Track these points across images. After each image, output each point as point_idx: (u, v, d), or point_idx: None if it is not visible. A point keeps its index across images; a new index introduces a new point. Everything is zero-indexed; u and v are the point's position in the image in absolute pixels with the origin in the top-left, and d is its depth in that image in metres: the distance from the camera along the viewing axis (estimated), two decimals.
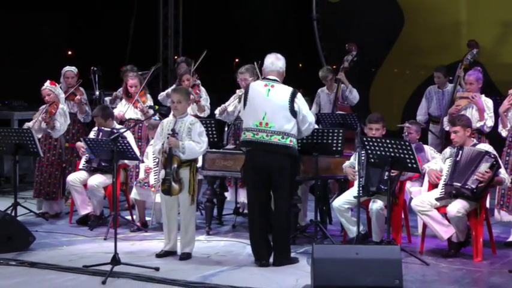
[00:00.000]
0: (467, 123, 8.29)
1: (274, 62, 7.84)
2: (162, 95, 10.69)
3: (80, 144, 9.60)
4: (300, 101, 7.77)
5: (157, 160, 8.54)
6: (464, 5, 14.21)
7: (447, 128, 9.00)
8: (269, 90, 7.68)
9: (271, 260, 7.73)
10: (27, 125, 10.11)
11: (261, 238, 7.79)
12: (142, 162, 9.41)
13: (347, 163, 8.56)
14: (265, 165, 7.64)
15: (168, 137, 7.80)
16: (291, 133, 7.67)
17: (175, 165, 7.80)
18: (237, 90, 9.76)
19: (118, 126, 9.62)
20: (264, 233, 7.83)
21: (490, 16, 13.89)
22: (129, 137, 9.18)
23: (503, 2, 13.74)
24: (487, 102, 9.19)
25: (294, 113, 7.65)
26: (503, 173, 8.11)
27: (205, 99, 10.41)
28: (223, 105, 9.90)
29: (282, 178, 7.71)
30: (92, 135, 9.59)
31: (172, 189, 7.83)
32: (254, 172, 7.73)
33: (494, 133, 9.05)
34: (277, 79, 7.79)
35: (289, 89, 7.73)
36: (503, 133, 8.80)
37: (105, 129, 9.48)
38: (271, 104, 7.64)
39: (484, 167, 7.93)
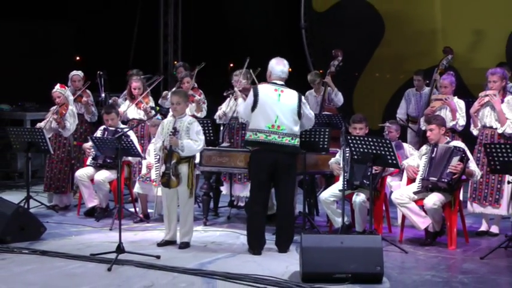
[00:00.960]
0: (441, 122, 8.35)
1: (283, 69, 7.89)
2: (162, 99, 10.72)
3: (86, 145, 9.61)
4: (305, 104, 7.93)
5: (158, 157, 8.55)
6: (440, 14, 14.23)
7: (424, 128, 9.03)
8: (280, 95, 7.74)
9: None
10: (39, 125, 10.12)
11: (261, 230, 7.84)
12: (145, 159, 9.41)
13: (333, 160, 8.59)
14: (275, 163, 7.70)
15: (169, 135, 7.83)
16: (298, 134, 7.80)
17: (175, 161, 7.82)
18: (225, 92, 9.78)
19: (122, 126, 9.63)
20: (264, 225, 7.89)
21: (463, 25, 13.92)
22: (132, 135, 9.18)
23: (474, 13, 13.78)
24: (460, 104, 9.22)
25: (300, 115, 7.77)
26: (472, 165, 8.17)
27: (203, 101, 10.42)
28: (221, 111, 9.91)
29: (290, 174, 7.83)
30: (98, 134, 9.59)
31: (171, 182, 7.85)
32: (261, 170, 7.75)
33: (467, 132, 9.09)
34: (284, 83, 7.86)
35: (295, 94, 7.83)
36: (475, 132, 8.85)
37: (110, 128, 9.49)
38: (282, 108, 7.70)
39: (455, 160, 7.99)
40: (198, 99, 10.18)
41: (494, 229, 8.76)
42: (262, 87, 7.89)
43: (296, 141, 7.77)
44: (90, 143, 9.42)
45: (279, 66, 7.89)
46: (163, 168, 7.91)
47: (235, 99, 9.55)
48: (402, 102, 11.27)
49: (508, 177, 7.98)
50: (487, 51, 13.39)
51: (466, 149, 8.21)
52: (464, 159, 8.02)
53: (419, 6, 14.40)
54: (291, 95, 7.80)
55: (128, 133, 8.79)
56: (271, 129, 7.67)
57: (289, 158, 7.80)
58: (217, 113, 9.97)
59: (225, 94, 9.80)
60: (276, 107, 7.71)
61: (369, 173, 7.96)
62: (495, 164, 7.82)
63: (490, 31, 13.71)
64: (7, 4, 16.58)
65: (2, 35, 17.15)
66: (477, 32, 13.80)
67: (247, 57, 9.25)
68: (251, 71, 9.58)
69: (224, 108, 9.83)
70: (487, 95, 8.67)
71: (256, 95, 7.77)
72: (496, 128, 8.60)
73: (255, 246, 7.78)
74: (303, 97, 7.96)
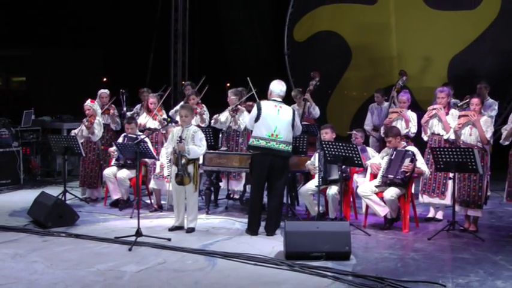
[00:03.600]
0: (396, 132, 8.39)
1: (282, 89, 7.99)
2: (172, 112, 10.70)
3: (111, 149, 9.61)
4: (297, 117, 8.09)
5: (169, 158, 8.53)
6: (396, 44, 14.25)
7: (384, 135, 9.04)
8: (279, 110, 7.84)
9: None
10: (73, 132, 10.12)
11: (259, 216, 7.91)
12: (158, 160, 9.39)
13: (308, 162, 8.59)
14: (272, 165, 7.76)
15: (177, 143, 7.83)
16: (291, 142, 7.89)
17: (184, 162, 7.82)
18: (229, 108, 9.77)
19: (140, 133, 9.61)
20: (261, 213, 7.95)
21: (414, 53, 13.97)
22: (148, 141, 9.17)
23: (423, 43, 13.83)
24: (412, 115, 9.23)
25: (293, 126, 7.89)
26: (423, 166, 8.21)
27: (206, 114, 10.41)
28: (215, 116, 9.94)
29: (282, 174, 7.89)
30: (120, 140, 9.58)
31: (184, 180, 7.85)
32: (261, 170, 7.80)
33: (419, 138, 9.11)
34: (282, 100, 7.94)
35: (290, 109, 7.99)
36: (425, 138, 8.89)
37: (130, 135, 9.48)
38: (280, 121, 7.79)
39: (407, 161, 8.02)
40: (200, 111, 10.15)
41: (439, 215, 8.79)
42: (264, 103, 7.92)
43: (290, 148, 7.86)
44: (114, 148, 9.43)
45: (278, 86, 8.00)
46: (175, 169, 7.90)
47: (232, 116, 9.60)
48: (368, 115, 11.22)
49: (450, 174, 8.01)
50: (433, 74, 13.42)
51: (417, 152, 8.24)
52: (413, 160, 8.05)
53: (380, 38, 14.43)
54: (288, 110, 7.93)
55: (145, 140, 8.80)
56: (271, 137, 7.74)
57: (284, 161, 7.88)
58: (214, 118, 9.99)
59: (230, 109, 9.77)
60: (275, 119, 7.78)
61: (339, 171, 7.99)
62: (440, 163, 7.85)
63: (435, 58, 13.76)
64: (50, 36, 16.64)
65: (45, 60, 17.21)
66: (425, 58, 13.85)
67: (247, 78, 9.24)
68: (248, 89, 9.60)
69: (221, 118, 9.83)
70: (435, 108, 8.70)
71: (259, 109, 7.83)
72: (442, 135, 8.62)
73: (254, 228, 7.85)
74: (296, 112, 8.13)
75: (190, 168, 7.88)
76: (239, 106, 9.61)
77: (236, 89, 9.86)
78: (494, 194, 9.84)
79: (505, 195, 7.95)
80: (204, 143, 8.04)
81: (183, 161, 7.81)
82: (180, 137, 7.82)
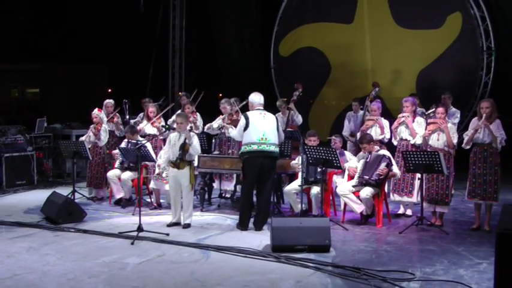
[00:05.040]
0: (369, 139, 8.40)
1: (261, 99, 8.05)
2: (170, 121, 10.65)
3: (115, 152, 9.58)
4: (279, 123, 8.12)
5: (167, 161, 8.47)
6: (370, 59, 14.33)
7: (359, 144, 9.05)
8: (264, 116, 7.87)
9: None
10: (81, 138, 10.07)
11: (249, 213, 7.88)
12: (155, 162, 9.34)
13: (293, 162, 8.61)
14: (263, 166, 7.72)
15: (188, 131, 7.89)
16: (278, 144, 7.90)
17: (185, 150, 7.81)
18: (221, 115, 9.75)
19: (140, 139, 9.57)
20: (251, 210, 7.92)
21: (386, 66, 14.05)
22: (148, 146, 9.12)
23: (394, 58, 13.94)
24: (385, 123, 9.25)
25: (277, 131, 7.89)
26: (395, 169, 8.21)
27: (199, 122, 10.38)
28: (208, 124, 9.91)
29: (271, 174, 7.85)
30: (123, 144, 9.53)
31: (181, 165, 7.82)
32: (253, 171, 7.74)
33: (390, 142, 9.11)
34: (263, 109, 7.98)
35: (273, 116, 8.02)
36: (395, 142, 8.89)
37: (132, 141, 9.43)
38: (267, 126, 7.79)
39: (382, 165, 8.02)
40: (192, 119, 10.12)
41: (409, 212, 8.81)
42: (250, 113, 7.94)
43: (278, 149, 7.89)
44: (117, 150, 9.39)
45: (257, 97, 8.05)
46: (177, 155, 7.84)
47: (224, 123, 9.58)
48: (345, 122, 11.23)
49: (417, 175, 8.02)
50: (403, 85, 13.49)
51: (391, 156, 8.24)
52: (389, 165, 8.05)
53: (356, 54, 14.49)
54: (271, 117, 7.96)
55: (146, 144, 8.75)
56: (261, 141, 7.73)
57: (272, 162, 7.84)
58: (207, 125, 9.97)
59: (222, 117, 9.73)
60: (263, 125, 7.78)
61: (319, 170, 7.99)
62: (409, 165, 7.86)
63: (405, 71, 13.83)
64: (61, 52, 16.60)
65: (56, 73, 17.16)
66: (396, 71, 13.92)
67: (243, 100, 9.23)
68: (238, 101, 9.58)
69: (214, 124, 9.80)
70: (403, 116, 8.72)
71: (247, 119, 7.83)
72: (409, 140, 8.64)
73: (245, 224, 7.82)
74: (278, 118, 8.21)
75: (187, 169, 7.84)
76: (234, 115, 9.59)
77: (229, 99, 9.82)
78: (457, 193, 9.87)
79: (466, 193, 7.96)
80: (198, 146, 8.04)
81: (184, 148, 7.78)
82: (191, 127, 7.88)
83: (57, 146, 11.00)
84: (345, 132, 11.06)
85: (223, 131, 9.57)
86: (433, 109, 8.89)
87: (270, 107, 8.35)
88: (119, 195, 9.42)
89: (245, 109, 8.52)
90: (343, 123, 11.35)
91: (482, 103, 7.78)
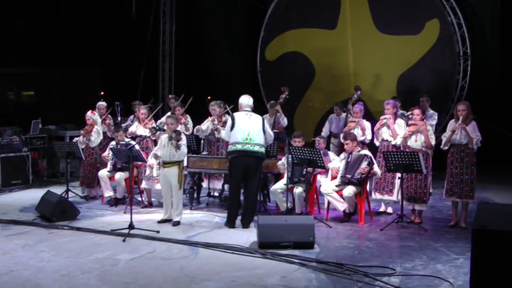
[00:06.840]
0: (354, 137, 8.42)
1: (249, 101, 8.03)
2: (159, 121, 10.61)
3: (104, 155, 9.55)
4: (266, 124, 8.06)
5: (158, 161, 8.45)
6: (352, 64, 14.36)
7: (343, 141, 9.06)
8: (250, 117, 7.84)
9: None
10: (75, 139, 10.03)
11: (236, 211, 7.86)
12: (146, 162, 9.30)
13: (279, 162, 8.60)
14: (247, 165, 7.70)
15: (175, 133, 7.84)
16: (263, 144, 7.85)
17: (178, 135, 7.80)
18: (209, 117, 9.72)
19: (127, 140, 9.49)
20: (238, 208, 7.90)
21: (367, 71, 14.08)
22: (137, 147, 9.07)
23: (375, 62, 13.96)
24: (367, 124, 9.29)
25: (263, 131, 7.84)
26: (375, 168, 8.23)
27: (190, 124, 10.34)
28: (197, 126, 9.87)
29: (257, 173, 7.81)
30: (113, 144, 9.48)
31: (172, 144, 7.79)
32: (238, 170, 7.73)
33: (372, 143, 9.15)
34: (251, 110, 7.94)
35: (260, 117, 7.97)
36: (377, 143, 8.93)
37: (122, 142, 9.36)
38: (252, 126, 7.76)
39: (364, 164, 8.04)
40: (184, 121, 10.09)
41: (390, 210, 8.83)
42: (236, 114, 7.93)
43: (263, 150, 7.83)
44: (106, 153, 9.36)
45: (246, 99, 8.05)
46: (168, 155, 7.83)
47: (214, 125, 9.54)
48: (326, 124, 11.24)
49: (398, 174, 8.05)
50: (384, 89, 13.52)
51: (372, 156, 8.27)
52: (370, 164, 8.07)
53: (339, 58, 14.50)
54: (257, 117, 7.92)
55: (135, 146, 8.72)
56: (245, 141, 7.70)
57: (258, 162, 7.80)
58: (196, 127, 9.92)
59: (211, 119, 9.69)
60: (248, 125, 7.75)
61: (304, 172, 7.98)
62: (390, 165, 7.89)
63: (386, 75, 13.87)
64: (56, 56, 16.50)
65: (51, 77, 17.04)
66: (377, 75, 13.97)
67: (231, 104, 9.21)
68: (227, 105, 9.57)
69: (203, 126, 9.76)
70: (385, 118, 8.75)
71: (233, 119, 7.83)
72: (390, 141, 8.67)
73: (232, 222, 7.79)
74: (265, 119, 8.14)
75: (175, 169, 7.81)
76: (222, 116, 9.57)
77: (218, 101, 9.80)
78: (435, 191, 9.93)
79: (444, 191, 8.01)
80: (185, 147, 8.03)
81: (178, 135, 7.79)
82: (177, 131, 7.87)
83: (52, 147, 10.92)
84: (323, 133, 11.09)
85: (216, 133, 9.55)
86: (412, 111, 8.93)
87: (256, 109, 8.33)
88: (107, 193, 9.37)
89: (234, 112, 8.50)
90: None
91: (459, 106, 7.84)
